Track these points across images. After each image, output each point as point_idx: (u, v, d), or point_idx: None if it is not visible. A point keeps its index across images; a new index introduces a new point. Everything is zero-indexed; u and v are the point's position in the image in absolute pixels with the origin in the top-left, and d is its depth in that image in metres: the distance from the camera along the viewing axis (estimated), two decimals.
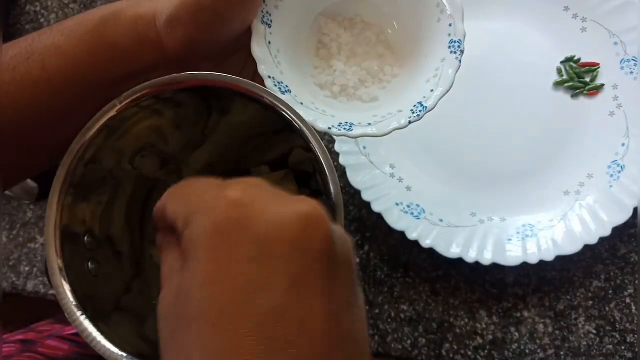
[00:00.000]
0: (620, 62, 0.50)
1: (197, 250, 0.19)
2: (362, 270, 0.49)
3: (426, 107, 0.31)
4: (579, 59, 0.50)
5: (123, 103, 0.29)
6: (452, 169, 0.50)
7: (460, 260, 0.46)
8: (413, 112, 0.31)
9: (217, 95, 0.31)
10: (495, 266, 0.46)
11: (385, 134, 0.31)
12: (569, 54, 0.50)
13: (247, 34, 0.32)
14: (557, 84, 0.50)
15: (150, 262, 0.38)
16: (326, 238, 0.19)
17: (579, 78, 0.50)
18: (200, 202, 0.21)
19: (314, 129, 0.29)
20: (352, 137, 0.31)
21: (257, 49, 0.31)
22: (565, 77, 0.50)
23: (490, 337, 0.47)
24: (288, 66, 0.33)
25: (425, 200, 0.49)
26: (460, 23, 0.32)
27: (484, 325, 0.48)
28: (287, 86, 0.32)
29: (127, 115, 0.30)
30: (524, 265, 0.45)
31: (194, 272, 0.19)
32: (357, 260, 0.50)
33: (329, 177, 0.28)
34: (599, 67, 0.50)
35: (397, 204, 0.48)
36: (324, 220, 0.20)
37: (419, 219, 0.48)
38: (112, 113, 0.29)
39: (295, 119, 0.29)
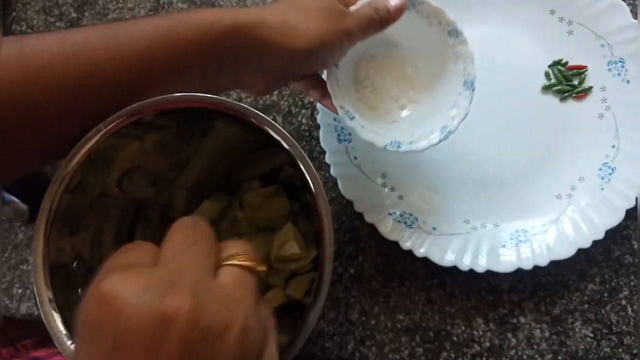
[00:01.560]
0: (608, 64, 0.50)
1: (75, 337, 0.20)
2: (357, 281, 0.49)
3: (450, 130, 0.41)
4: (566, 62, 0.50)
5: (107, 127, 0.29)
6: (444, 176, 0.50)
7: (455, 268, 0.46)
8: (442, 133, 0.41)
9: (198, 116, 0.31)
10: (490, 273, 0.46)
11: (423, 150, 0.41)
12: (556, 58, 0.51)
13: None
14: (546, 88, 0.50)
15: None
16: (181, 341, 0.19)
17: (567, 81, 0.50)
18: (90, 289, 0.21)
19: (299, 146, 0.29)
20: (401, 152, 0.41)
21: (331, 85, 0.40)
22: (553, 80, 0.50)
23: (487, 344, 0.47)
24: (345, 94, 0.41)
25: (418, 209, 0.49)
26: (472, 67, 0.41)
27: (481, 333, 0.48)
28: (352, 114, 0.41)
29: (110, 140, 0.30)
30: (519, 270, 0.45)
31: None
32: (352, 271, 0.50)
33: (315, 194, 0.28)
34: (586, 70, 0.50)
35: (390, 214, 0.48)
36: (185, 319, 0.19)
37: (412, 228, 0.48)
38: (96, 138, 0.29)
39: (281, 139, 0.29)
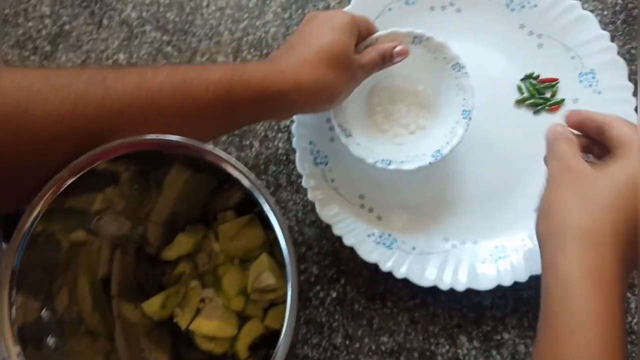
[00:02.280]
0: (579, 75, 0.50)
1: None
2: (340, 304, 0.49)
3: (442, 153, 0.45)
4: (538, 76, 0.51)
5: (54, 187, 0.28)
6: (422, 195, 0.50)
7: (436, 287, 0.46)
8: (433, 157, 0.45)
9: (154, 164, 0.30)
10: (471, 290, 0.45)
11: (412, 169, 0.45)
12: (528, 72, 0.51)
13: None
14: (519, 102, 0.50)
15: (119, 325, 0.38)
16: None
17: (539, 94, 0.50)
18: None
19: (260, 185, 0.29)
20: (389, 169, 0.45)
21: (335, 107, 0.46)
22: (526, 94, 0.50)
23: None
24: (352, 116, 0.47)
25: (397, 229, 0.49)
26: (471, 98, 0.45)
27: (465, 351, 0.47)
28: (350, 132, 0.46)
29: (65, 197, 0.29)
30: (500, 286, 0.45)
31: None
32: (334, 295, 0.49)
33: (278, 232, 0.28)
34: (558, 83, 0.50)
35: (368, 236, 0.48)
36: None
37: (391, 249, 0.48)
38: (52, 191, 0.29)
39: (237, 175, 0.29)
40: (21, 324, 0.27)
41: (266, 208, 0.29)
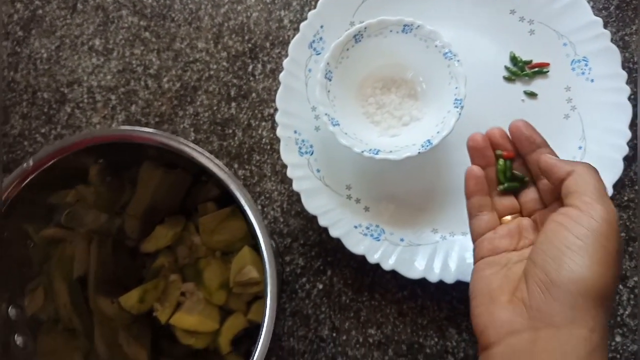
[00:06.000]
0: (572, 63, 0.49)
1: None
2: (327, 296, 0.48)
3: (432, 143, 0.43)
4: (531, 61, 0.49)
5: (15, 183, 0.27)
6: (410, 185, 0.48)
7: (425, 279, 0.45)
8: (422, 146, 0.44)
9: (124, 161, 0.29)
10: (461, 282, 0.44)
11: (400, 159, 0.43)
12: (519, 58, 0.49)
13: None
14: (508, 80, 0.49)
15: (98, 325, 0.36)
16: None
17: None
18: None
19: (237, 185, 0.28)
20: (377, 159, 0.43)
21: (319, 95, 0.44)
22: (514, 69, 0.49)
23: (462, 354, 0.46)
24: (342, 107, 0.46)
25: (385, 221, 0.47)
26: (463, 87, 0.44)
27: (454, 343, 0.46)
28: (337, 121, 0.45)
29: (27, 195, 0.28)
30: None
31: None
32: (321, 287, 0.48)
33: (256, 229, 0.27)
34: (549, 67, 0.49)
35: (355, 227, 0.47)
36: None
37: (379, 240, 0.46)
38: (16, 183, 0.27)
39: (211, 167, 0.27)
40: None
41: (243, 203, 0.27)
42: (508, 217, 0.37)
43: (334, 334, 0.47)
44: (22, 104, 0.54)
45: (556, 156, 0.35)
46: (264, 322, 0.26)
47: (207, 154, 0.27)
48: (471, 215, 0.38)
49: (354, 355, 0.47)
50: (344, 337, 0.47)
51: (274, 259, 0.26)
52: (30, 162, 0.27)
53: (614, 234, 0.29)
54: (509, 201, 0.37)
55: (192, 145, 0.27)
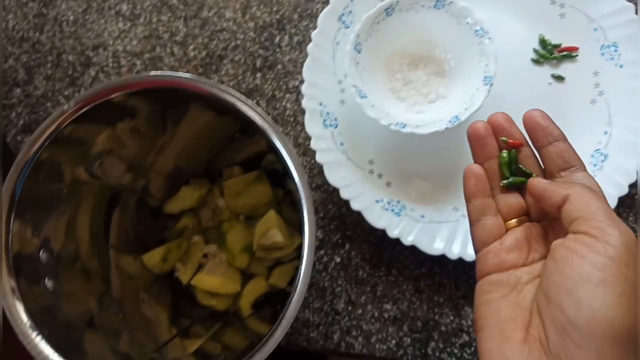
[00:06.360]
0: (601, 48, 0.48)
1: None
2: (344, 270, 0.48)
3: (460, 119, 0.43)
4: (559, 45, 0.49)
5: (73, 108, 0.27)
6: (433, 163, 0.48)
7: (443, 257, 0.45)
8: (450, 122, 0.43)
9: (172, 101, 0.29)
10: None
11: (426, 134, 0.43)
12: (549, 42, 0.49)
13: None
14: (536, 62, 0.49)
15: (117, 274, 0.36)
16: None
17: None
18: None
19: (280, 131, 0.28)
20: (404, 132, 0.43)
21: (348, 66, 0.44)
22: (543, 52, 0.49)
23: None
24: (370, 81, 0.46)
25: (407, 197, 0.47)
26: (493, 64, 0.43)
27: (469, 322, 0.46)
28: (365, 93, 0.44)
29: (77, 126, 0.28)
30: None
31: None
32: (338, 260, 0.48)
33: (296, 179, 0.27)
34: (578, 52, 0.48)
35: (377, 202, 0.46)
36: None
37: (400, 216, 0.46)
38: (60, 119, 0.27)
39: (262, 124, 0.27)
40: (16, 252, 0.26)
41: (285, 156, 0.27)
42: (513, 221, 0.31)
43: (350, 308, 0.47)
44: (47, 65, 0.54)
45: (574, 151, 0.31)
46: (301, 264, 0.26)
47: (257, 107, 0.27)
48: (472, 221, 0.32)
49: (369, 330, 0.47)
50: (360, 311, 0.47)
51: (313, 209, 0.26)
52: (72, 104, 0.27)
53: (634, 261, 0.25)
54: (514, 200, 0.32)
55: (238, 94, 0.27)
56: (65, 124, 0.27)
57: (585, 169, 0.31)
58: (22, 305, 0.26)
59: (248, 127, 0.28)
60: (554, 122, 0.32)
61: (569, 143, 0.31)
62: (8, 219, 0.26)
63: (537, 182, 0.30)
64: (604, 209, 0.27)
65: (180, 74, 0.27)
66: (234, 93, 0.27)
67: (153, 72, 0.27)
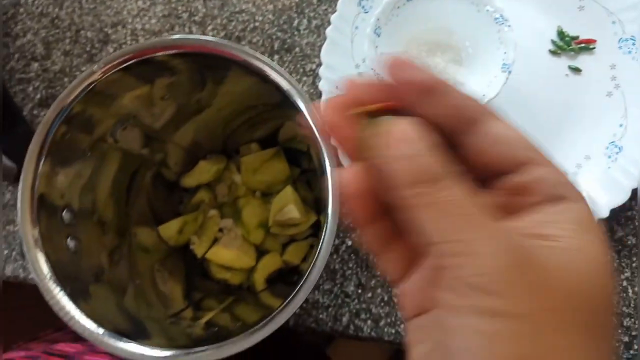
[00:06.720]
0: (619, 41, 0.48)
1: None
2: (355, 253, 0.48)
3: None
4: (577, 37, 0.49)
5: (109, 65, 0.27)
6: None
7: None
8: None
9: (213, 65, 0.29)
10: None
11: None
12: (567, 33, 0.49)
13: None
14: (553, 53, 0.49)
15: (134, 240, 0.36)
16: None
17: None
18: None
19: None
20: None
21: (367, 49, 0.45)
22: (561, 44, 0.49)
23: None
24: None
25: None
26: (512, 52, 0.43)
27: None
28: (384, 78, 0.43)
29: (118, 75, 0.28)
30: None
31: None
32: (350, 243, 0.48)
33: (324, 154, 0.27)
34: (595, 44, 0.49)
35: None
36: None
37: None
38: (96, 76, 0.27)
39: (296, 96, 0.27)
40: (41, 193, 0.26)
41: (316, 132, 0.27)
42: None
43: (359, 291, 0.48)
44: (65, 41, 0.54)
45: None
46: (323, 237, 0.26)
47: (296, 84, 0.27)
48: (373, 252, 0.22)
49: (378, 313, 0.47)
50: (369, 295, 0.48)
51: (337, 186, 0.26)
52: (101, 65, 0.27)
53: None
54: None
55: (276, 66, 0.27)
56: (110, 73, 0.27)
57: None
58: (44, 257, 0.26)
59: (282, 101, 0.28)
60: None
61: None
62: (39, 157, 0.26)
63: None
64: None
65: (223, 42, 0.27)
66: (275, 66, 0.27)
67: (194, 36, 0.27)
